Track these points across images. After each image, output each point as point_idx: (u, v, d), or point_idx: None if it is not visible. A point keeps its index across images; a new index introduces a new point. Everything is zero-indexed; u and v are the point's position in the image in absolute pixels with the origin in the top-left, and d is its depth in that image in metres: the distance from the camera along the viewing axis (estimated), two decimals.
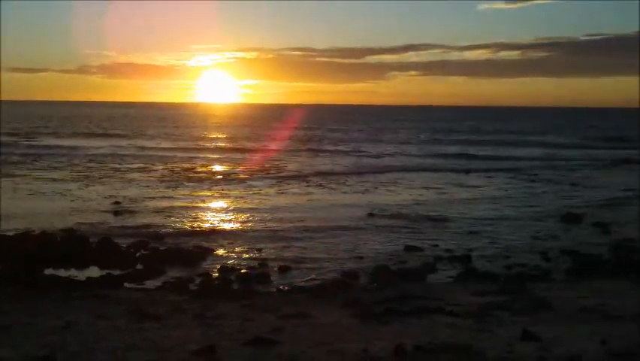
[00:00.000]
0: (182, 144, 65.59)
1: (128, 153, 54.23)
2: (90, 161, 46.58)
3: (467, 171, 44.14)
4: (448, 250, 20.20)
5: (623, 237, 22.22)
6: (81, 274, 16.90)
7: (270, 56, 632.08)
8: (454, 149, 63.46)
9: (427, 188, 34.97)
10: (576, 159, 55.22)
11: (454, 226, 24.10)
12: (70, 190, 31.24)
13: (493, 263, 18.88)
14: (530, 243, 21.56)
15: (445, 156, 55.83)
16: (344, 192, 32.80)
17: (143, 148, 58.94)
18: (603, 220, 25.22)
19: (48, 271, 17.01)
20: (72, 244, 19.07)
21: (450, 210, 27.50)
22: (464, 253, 19.72)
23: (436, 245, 20.94)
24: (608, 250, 20.26)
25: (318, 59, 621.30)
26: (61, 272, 17.09)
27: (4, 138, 64.96)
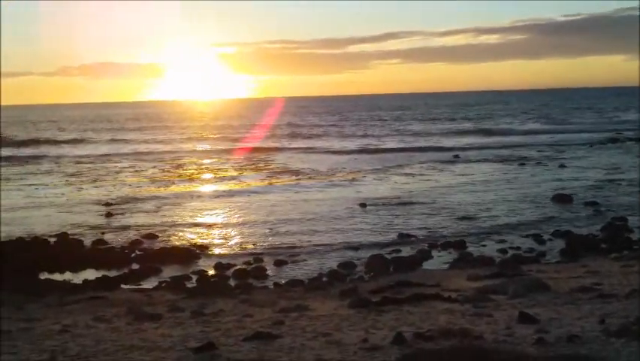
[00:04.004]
0: (169, 143, 65.38)
1: (116, 153, 54.09)
2: (79, 163, 46.43)
3: (455, 157, 44.31)
4: (442, 236, 20.28)
5: (614, 215, 22.37)
6: (77, 278, 16.87)
7: (250, 50, 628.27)
8: (438, 138, 63.44)
9: (412, 175, 35.10)
10: (564, 141, 55.41)
11: (446, 212, 24.16)
12: (62, 194, 31.13)
13: (488, 247, 18.99)
14: (523, 225, 21.67)
15: (431, 147, 55.67)
16: (334, 185, 32.82)
17: (136, 151, 58.56)
18: (593, 200, 25.39)
19: (43, 276, 17.00)
20: (66, 248, 19.05)
21: (441, 196, 27.58)
22: (458, 238, 19.81)
23: (430, 232, 21.01)
24: (599, 230, 20.41)
25: (298, 50, 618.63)
26: (57, 276, 17.07)
27: None
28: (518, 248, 18.71)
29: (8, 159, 50.92)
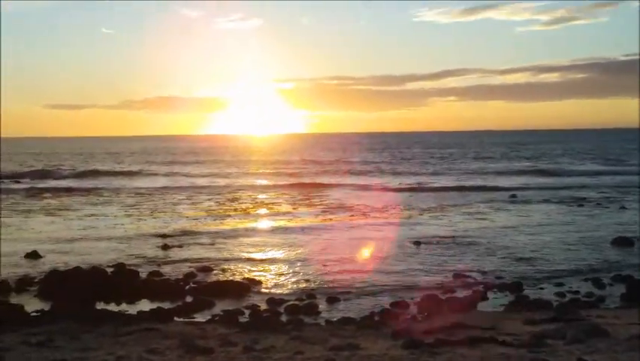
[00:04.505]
0: (226, 177, 66.23)
1: (174, 185, 55.08)
2: (138, 194, 47.36)
3: (512, 196, 43.71)
4: (498, 278, 19.96)
5: None
6: (132, 308, 17.09)
7: (307, 85, 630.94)
8: (495, 177, 62.69)
9: (468, 214, 34.74)
10: (624, 182, 54.16)
11: (502, 253, 23.80)
12: (120, 225, 31.72)
13: (545, 290, 18.60)
14: (582, 268, 21.19)
15: (487, 186, 55.08)
16: (388, 222, 32.66)
17: (193, 184, 59.54)
18: None
19: (99, 306, 17.29)
20: (122, 279, 19.32)
21: (497, 237, 27.20)
22: (515, 280, 19.46)
23: (486, 273, 20.71)
24: None
25: (355, 87, 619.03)
26: (113, 307, 17.35)
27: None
28: (577, 292, 18.28)
29: (69, 190, 52.24)
